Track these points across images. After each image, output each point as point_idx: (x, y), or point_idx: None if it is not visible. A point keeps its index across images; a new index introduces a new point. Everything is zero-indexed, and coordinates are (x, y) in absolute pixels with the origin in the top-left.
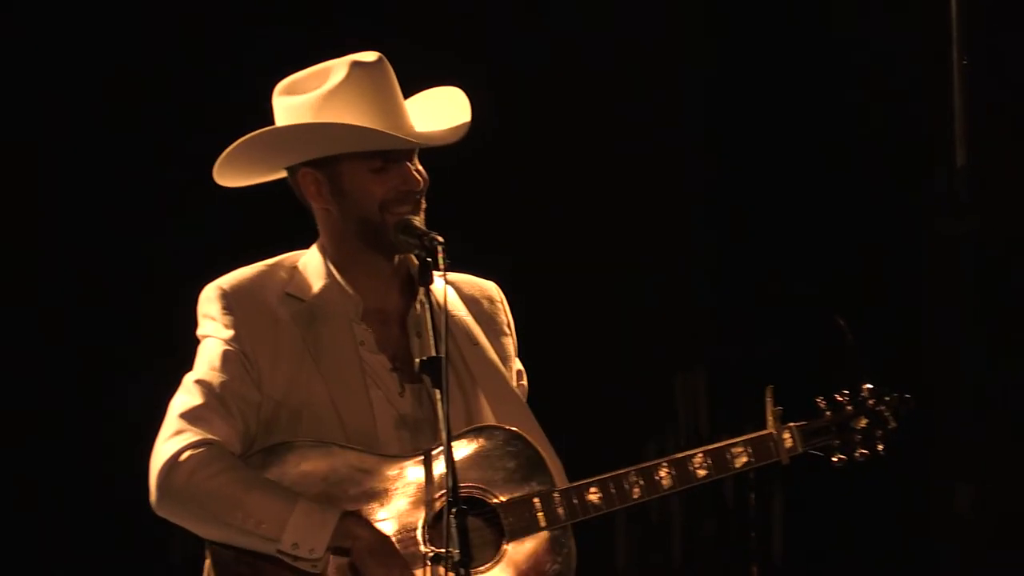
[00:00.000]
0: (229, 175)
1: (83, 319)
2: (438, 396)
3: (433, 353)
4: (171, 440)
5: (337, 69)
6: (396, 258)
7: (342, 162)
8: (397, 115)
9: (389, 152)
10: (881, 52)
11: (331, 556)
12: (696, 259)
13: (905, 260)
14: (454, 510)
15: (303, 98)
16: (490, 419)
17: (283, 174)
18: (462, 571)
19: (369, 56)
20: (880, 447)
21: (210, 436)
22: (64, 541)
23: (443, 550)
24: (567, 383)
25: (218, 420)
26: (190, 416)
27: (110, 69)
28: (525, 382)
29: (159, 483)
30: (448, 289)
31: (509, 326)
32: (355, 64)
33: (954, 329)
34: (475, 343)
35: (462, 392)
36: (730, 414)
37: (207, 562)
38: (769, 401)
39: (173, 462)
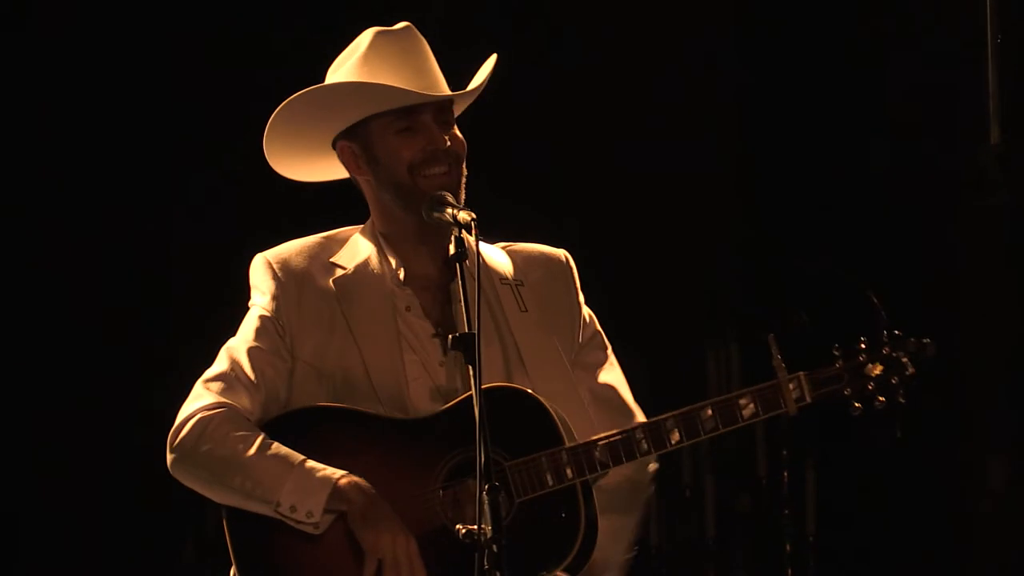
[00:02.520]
0: (282, 162)
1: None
2: (471, 372)
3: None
4: (189, 404)
5: (362, 40)
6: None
7: (371, 128)
8: (425, 76)
9: (413, 112)
10: (918, 27)
11: (334, 518)
12: (729, 236)
13: (940, 234)
14: (487, 486)
15: (338, 72)
16: (526, 384)
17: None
18: (494, 548)
19: (395, 26)
20: (900, 395)
21: (227, 400)
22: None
23: (474, 527)
24: None
25: (239, 386)
26: (212, 381)
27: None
28: (606, 351)
29: (171, 444)
30: (501, 257)
31: (573, 293)
32: (379, 33)
33: (989, 304)
34: (523, 310)
35: (504, 359)
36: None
37: (224, 527)
38: (774, 350)
39: (185, 424)
